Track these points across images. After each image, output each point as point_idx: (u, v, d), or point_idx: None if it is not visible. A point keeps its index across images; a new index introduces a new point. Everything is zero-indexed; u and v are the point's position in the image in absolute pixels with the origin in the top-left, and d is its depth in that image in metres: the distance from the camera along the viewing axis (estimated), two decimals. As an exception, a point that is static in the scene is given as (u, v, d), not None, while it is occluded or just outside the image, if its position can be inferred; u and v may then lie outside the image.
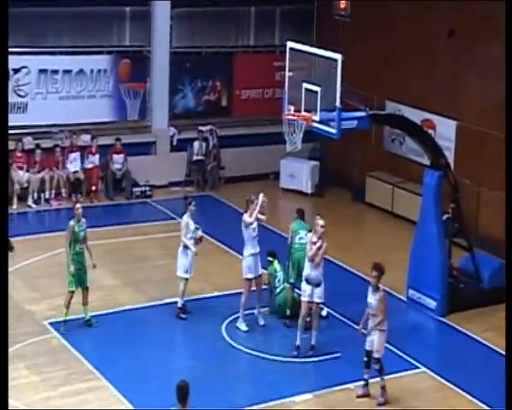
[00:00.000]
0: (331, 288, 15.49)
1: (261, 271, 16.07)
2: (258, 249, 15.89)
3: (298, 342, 15.06)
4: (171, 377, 14.82)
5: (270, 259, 16.67)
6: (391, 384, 14.24)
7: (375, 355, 13.80)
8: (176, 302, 16.34)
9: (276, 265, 16.63)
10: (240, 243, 16.04)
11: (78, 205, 15.79)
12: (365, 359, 13.94)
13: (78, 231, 15.44)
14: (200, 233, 16.47)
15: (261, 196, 15.96)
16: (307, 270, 15.02)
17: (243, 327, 15.86)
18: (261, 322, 16.12)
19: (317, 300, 14.99)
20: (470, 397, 14.26)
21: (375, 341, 13.79)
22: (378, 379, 13.90)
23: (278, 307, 16.44)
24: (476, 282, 17.65)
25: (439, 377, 14.84)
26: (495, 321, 16.57)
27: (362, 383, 14.07)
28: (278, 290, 16.46)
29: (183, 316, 16.27)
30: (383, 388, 13.89)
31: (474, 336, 16.32)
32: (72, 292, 15.53)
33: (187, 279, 16.25)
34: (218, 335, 15.77)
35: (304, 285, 15.03)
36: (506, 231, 13.62)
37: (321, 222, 15.10)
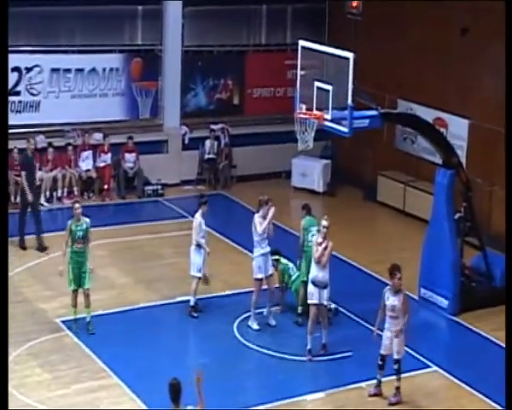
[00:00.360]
0: (342, 286, 15.52)
1: (271, 270, 16.03)
2: (268, 249, 15.87)
3: (309, 346, 14.93)
4: (182, 375, 14.91)
5: (276, 257, 16.55)
6: (403, 383, 14.20)
7: (396, 356, 13.76)
8: (188, 301, 16.35)
9: (283, 260, 16.56)
10: (251, 242, 16.02)
11: (77, 205, 15.59)
12: (380, 362, 13.90)
13: (75, 231, 15.28)
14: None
15: (272, 209, 15.76)
16: (314, 272, 14.84)
17: (255, 326, 15.85)
18: (272, 322, 16.09)
19: (324, 302, 14.89)
20: (482, 396, 14.22)
21: (395, 343, 13.72)
22: (394, 378, 13.85)
23: (295, 292, 16.38)
24: (488, 281, 17.60)
25: (450, 377, 14.81)
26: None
27: (374, 382, 14.04)
28: (294, 278, 16.38)
29: (195, 314, 16.28)
30: (398, 388, 13.87)
31: (486, 335, 16.27)
32: (75, 291, 15.46)
33: (199, 278, 16.25)
34: (230, 333, 15.78)
35: (311, 288, 14.85)
36: (506, 230, 13.49)
37: (324, 223, 14.91)
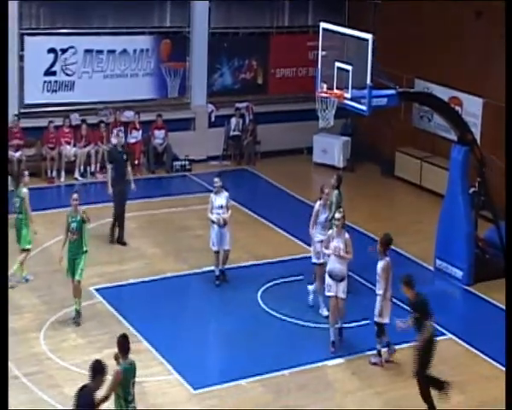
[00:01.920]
0: (360, 258, 15.34)
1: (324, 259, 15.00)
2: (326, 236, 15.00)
3: (332, 338, 14.19)
4: (208, 339, 14.95)
5: None
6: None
7: (375, 319, 13.74)
8: (213, 271, 16.34)
9: None
10: (275, 216, 15.92)
11: (75, 196, 14.77)
12: (376, 328, 13.91)
13: (70, 222, 14.57)
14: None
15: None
16: (331, 264, 14.13)
17: (325, 312, 15.03)
18: (324, 313, 15.08)
19: (341, 295, 14.06)
20: (495, 363, 14.14)
21: (376, 305, 13.76)
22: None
23: None
24: (501, 253, 17.43)
25: (465, 344, 14.75)
26: (519, 290, 16.36)
27: (375, 352, 14.02)
28: None
29: (217, 283, 16.19)
30: (378, 351, 13.91)
31: (499, 305, 16.12)
32: (76, 280, 14.67)
33: (215, 252, 16.14)
34: (254, 301, 15.73)
35: (328, 279, 14.14)
36: (506, 228, 13.28)
37: (338, 215, 14.28)
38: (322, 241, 15.01)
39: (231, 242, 16.32)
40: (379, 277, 13.80)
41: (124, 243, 17.84)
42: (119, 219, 17.84)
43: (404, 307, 15.66)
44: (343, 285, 14.09)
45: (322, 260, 15.12)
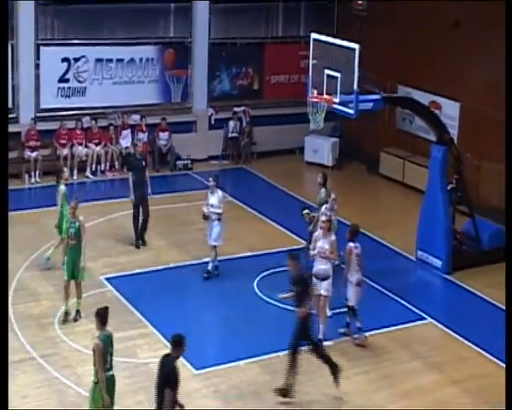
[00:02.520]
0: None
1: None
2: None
3: (320, 336, 13.61)
4: (209, 324, 14.94)
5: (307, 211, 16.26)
6: (403, 333, 14.19)
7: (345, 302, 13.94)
8: (213, 262, 16.29)
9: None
10: (270, 211, 15.86)
11: (72, 204, 14.29)
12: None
13: (68, 228, 14.22)
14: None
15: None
16: (316, 264, 13.63)
17: (328, 313, 14.31)
18: (328, 313, 14.41)
19: (323, 292, 13.60)
20: (471, 344, 14.16)
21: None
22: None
23: None
24: (477, 244, 17.47)
25: (444, 327, 14.75)
26: (493, 278, 16.40)
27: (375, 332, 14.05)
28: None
29: (204, 275, 16.03)
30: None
31: (475, 292, 16.17)
32: (67, 282, 14.22)
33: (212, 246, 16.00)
34: (251, 290, 15.71)
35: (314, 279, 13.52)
36: (506, 227, 13.25)
37: (323, 218, 14.07)
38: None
39: (220, 238, 15.95)
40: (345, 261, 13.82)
41: (144, 243, 17.34)
42: (143, 222, 17.38)
43: (389, 294, 15.77)
44: (325, 284, 13.63)
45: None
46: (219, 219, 15.90)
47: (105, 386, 10.32)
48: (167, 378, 9.77)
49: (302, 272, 12.44)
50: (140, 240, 17.38)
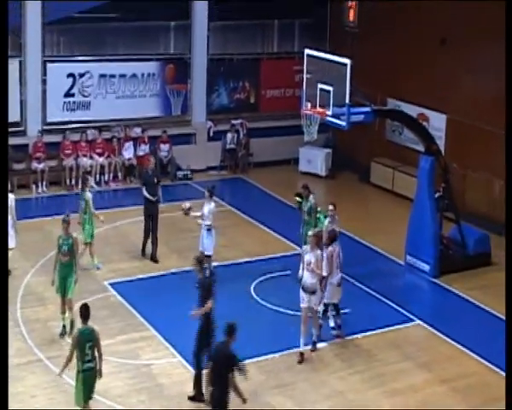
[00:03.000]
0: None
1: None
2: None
3: (301, 348, 13.33)
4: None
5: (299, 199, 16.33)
6: (391, 334, 14.21)
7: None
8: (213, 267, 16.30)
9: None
10: (267, 218, 15.84)
11: (65, 222, 13.75)
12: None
13: (61, 244, 13.66)
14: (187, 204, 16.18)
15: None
16: (305, 277, 13.35)
17: (331, 324, 14.37)
18: (331, 323, 14.38)
19: (314, 306, 13.44)
20: (457, 345, 14.19)
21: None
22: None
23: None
24: (463, 249, 17.52)
25: (431, 328, 14.79)
26: (478, 281, 16.51)
27: (366, 334, 14.11)
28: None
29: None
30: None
31: (461, 294, 16.21)
32: (62, 298, 13.81)
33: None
34: (248, 293, 15.74)
35: (301, 292, 13.41)
36: (506, 228, 13.24)
37: (310, 233, 13.90)
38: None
39: (210, 248, 15.86)
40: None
41: (156, 261, 17.03)
42: (153, 236, 17.24)
43: (380, 297, 15.82)
44: (315, 297, 13.42)
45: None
46: (209, 230, 15.89)
47: (66, 366, 10.96)
48: (228, 361, 10.44)
49: (206, 277, 12.42)
50: (151, 260, 17.07)
